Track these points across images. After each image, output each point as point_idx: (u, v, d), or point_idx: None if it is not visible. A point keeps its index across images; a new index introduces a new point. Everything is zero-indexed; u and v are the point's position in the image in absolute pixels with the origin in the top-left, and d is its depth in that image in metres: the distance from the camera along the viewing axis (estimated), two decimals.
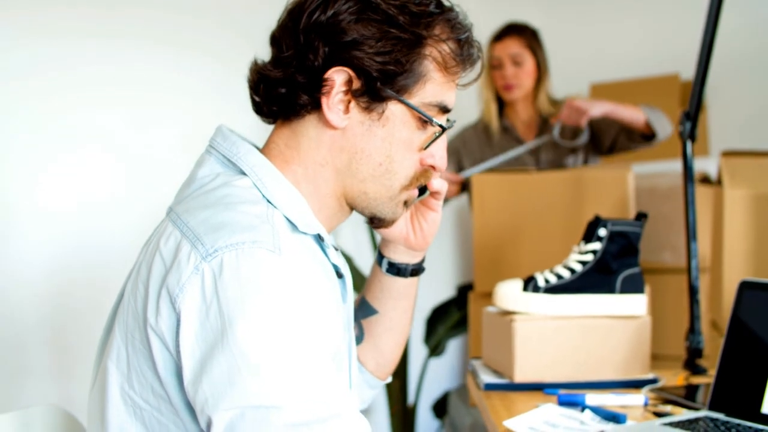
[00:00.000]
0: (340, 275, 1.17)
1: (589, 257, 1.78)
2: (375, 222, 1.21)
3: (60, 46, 2.58)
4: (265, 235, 1.01)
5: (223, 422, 0.94)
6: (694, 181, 1.89)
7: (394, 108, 1.12)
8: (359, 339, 1.40)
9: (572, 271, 1.78)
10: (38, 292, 2.43)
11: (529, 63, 2.94)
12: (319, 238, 1.13)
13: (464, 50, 1.15)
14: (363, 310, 1.40)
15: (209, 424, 0.96)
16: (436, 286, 3.39)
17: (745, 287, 1.57)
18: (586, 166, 2.94)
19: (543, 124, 3.00)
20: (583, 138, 2.90)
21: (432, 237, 1.34)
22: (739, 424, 1.45)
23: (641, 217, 1.83)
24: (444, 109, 1.16)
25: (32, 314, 2.42)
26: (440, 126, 1.15)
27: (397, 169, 1.15)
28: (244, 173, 1.11)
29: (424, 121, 1.13)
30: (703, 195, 2.49)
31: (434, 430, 3.51)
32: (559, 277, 1.78)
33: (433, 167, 1.19)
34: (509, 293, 1.78)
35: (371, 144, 1.12)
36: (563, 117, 2.82)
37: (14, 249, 2.45)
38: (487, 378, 1.80)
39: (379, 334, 1.40)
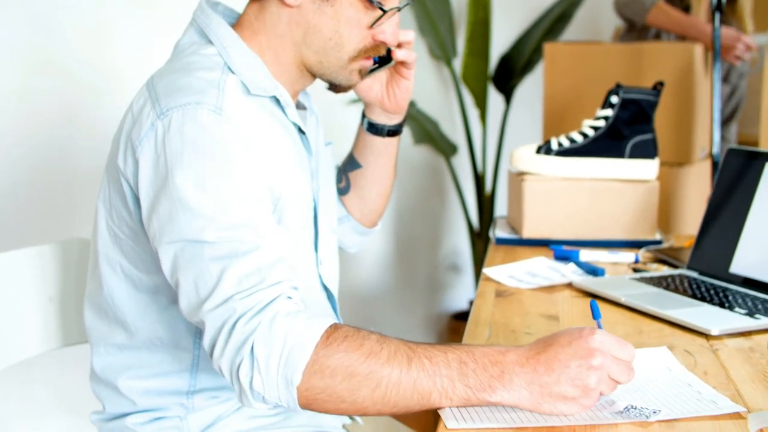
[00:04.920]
0: (302, 132, 1.33)
1: (602, 123, 1.87)
2: (333, 87, 1.36)
3: None
4: (210, 97, 1.18)
5: (169, 254, 1.14)
6: (719, 53, 1.92)
7: None
8: (346, 190, 1.57)
9: (585, 135, 1.87)
10: None
11: None
12: (276, 100, 1.29)
13: None
14: (349, 163, 1.57)
15: (158, 255, 1.16)
16: None
17: (731, 154, 1.62)
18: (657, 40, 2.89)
19: None
20: None
21: (405, 102, 1.47)
22: (704, 281, 1.54)
23: (658, 85, 1.88)
24: None
25: None
26: (381, 8, 1.27)
27: (345, 43, 1.29)
28: (212, 43, 1.28)
29: (371, 2, 1.26)
30: None
31: None
32: (572, 141, 1.87)
33: (384, 42, 1.31)
34: (523, 155, 1.89)
35: (321, 21, 1.27)
36: None
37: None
38: (501, 233, 1.94)
39: (362, 186, 1.56)
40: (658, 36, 2.92)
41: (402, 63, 1.42)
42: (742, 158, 1.60)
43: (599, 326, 1.07)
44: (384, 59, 1.39)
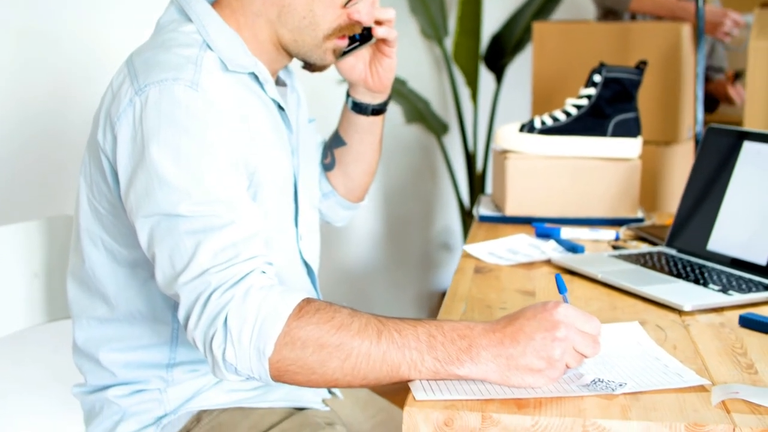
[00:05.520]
0: (281, 108, 1.34)
1: (584, 101, 1.88)
2: (308, 66, 1.37)
3: None
4: (186, 73, 1.19)
5: (146, 228, 1.16)
6: (703, 32, 1.93)
7: None
8: (331, 166, 1.59)
9: (568, 114, 1.88)
10: None
11: None
12: (255, 77, 1.30)
13: None
14: (334, 140, 1.58)
15: (135, 229, 1.18)
16: None
17: (711, 133, 1.64)
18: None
19: None
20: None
21: (389, 81, 1.48)
22: (681, 259, 1.56)
23: (641, 64, 1.89)
24: None
25: None
26: None
27: (319, 22, 1.30)
28: (191, 20, 1.29)
29: None
30: None
31: None
32: (555, 119, 1.89)
33: (359, 22, 1.33)
34: (507, 134, 1.91)
35: (295, 0, 1.28)
36: None
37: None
38: (485, 211, 1.96)
39: (347, 163, 1.58)
40: (633, 19, 2.92)
41: (383, 41, 1.43)
42: (722, 137, 1.61)
43: (565, 300, 1.08)
44: (365, 37, 1.40)
